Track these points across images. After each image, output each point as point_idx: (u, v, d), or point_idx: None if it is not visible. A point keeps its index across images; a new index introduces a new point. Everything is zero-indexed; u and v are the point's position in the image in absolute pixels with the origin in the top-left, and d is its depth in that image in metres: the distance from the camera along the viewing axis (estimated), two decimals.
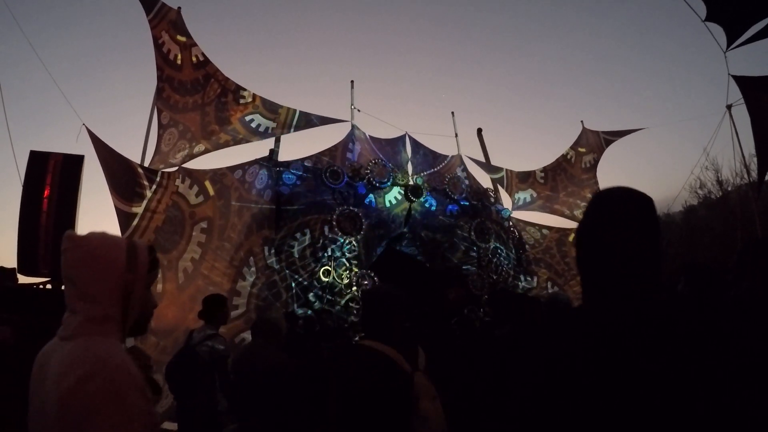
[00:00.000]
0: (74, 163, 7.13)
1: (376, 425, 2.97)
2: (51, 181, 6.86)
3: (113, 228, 7.77)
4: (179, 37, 9.82)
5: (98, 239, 1.93)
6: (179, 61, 9.84)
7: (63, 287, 1.90)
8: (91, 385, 1.64)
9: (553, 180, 14.67)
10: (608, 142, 15.54)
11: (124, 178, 7.99)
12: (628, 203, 1.66)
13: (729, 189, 24.02)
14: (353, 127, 11.27)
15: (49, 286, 6.22)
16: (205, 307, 5.86)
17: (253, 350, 5.14)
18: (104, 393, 1.66)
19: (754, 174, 14.40)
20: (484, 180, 13.35)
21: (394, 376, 3.02)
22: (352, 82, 11.81)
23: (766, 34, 10.04)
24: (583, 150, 15.39)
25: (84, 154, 7.37)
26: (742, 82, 11.66)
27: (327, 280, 8.75)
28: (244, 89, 10.33)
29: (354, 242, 9.31)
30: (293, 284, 8.56)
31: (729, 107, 12.97)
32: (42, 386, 1.72)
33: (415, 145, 12.51)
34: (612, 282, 1.58)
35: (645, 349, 1.42)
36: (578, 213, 14.20)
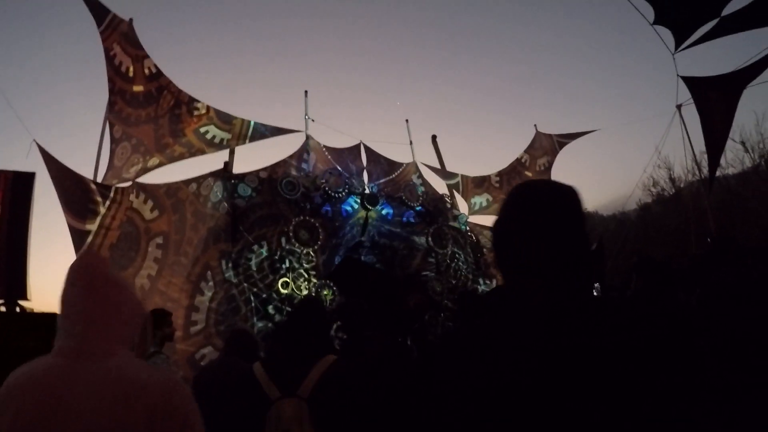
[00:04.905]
0: (25, 180, 7.03)
1: None
2: (2, 199, 6.76)
3: (68, 246, 7.68)
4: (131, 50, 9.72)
5: (116, 279, 1.94)
6: (131, 74, 9.74)
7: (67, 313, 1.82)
8: (177, 399, 1.78)
9: (509, 184, 14.72)
10: (562, 145, 15.75)
11: (76, 194, 7.89)
12: (545, 195, 1.58)
13: (681, 186, 24.70)
14: (308, 137, 11.29)
15: (2, 309, 6.12)
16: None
17: (222, 365, 5.14)
18: (190, 405, 1.83)
19: (705, 170, 14.78)
20: (440, 186, 13.50)
21: (251, 402, 2.94)
22: (305, 92, 11.84)
23: (712, 36, 10.33)
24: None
25: (35, 171, 7.29)
26: (691, 82, 11.96)
27: (286, 291, 8.72)
28: (198, 101, 10.25)
29: (312, 253, 9.31)
30: (252, 297, 8.50)
31: (679, 107, 13.33)
32: (76, 414, 1.64)
33: (370, 153, 12.60)
34: (530, 278, 1.49)
35: (563, 349, 1.34)
36: None
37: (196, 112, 10.17)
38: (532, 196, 1.60)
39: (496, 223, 1.67)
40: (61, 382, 1.69)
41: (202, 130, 10.19)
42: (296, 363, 3.06)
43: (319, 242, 9.41)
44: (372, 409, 3.01)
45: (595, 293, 8.75)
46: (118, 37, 9.64)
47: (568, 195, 1.58)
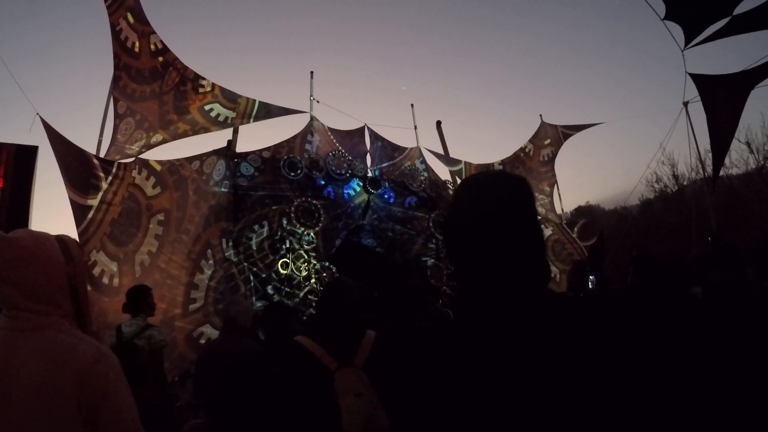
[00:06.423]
0: (28, 154, 7.00)
1: (296, 422, 2.98)
2: (4, 172, 6.73)
3: (68, 221, 7.68)
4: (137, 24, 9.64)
5: (29, 237, 1.99)
6: (137, 49, 9.67)
7: None
8: (103, 366, 1.88)
9: (512, 173, 14.65)
10: (566, 136, 15.75)
11: (79, 169, 7.87)
12: (494, 188, 1.49)
13: (684, 183, 24.69)
14: (312, 118, 11.25)
15: None
16: (128, 300, 5.81)
17: (222, 343, 5.16)
18: (116, 372, 1.92)
19: (709, 169, 14.75)
20: (443, 172, 13.49)
21: (312, 373, 3.02)
22: (311, 72, 11.78)
23: (723, 34, 10.29)
24: (545, 142, 15.58)
25: (38, 145, 7.26)
26: (699, 79, 11.93)
27: (285, 272, 8.70)
28: (203, 78, 10.17)
29: (312, 234, 9.29)
30: (251, 277, 8.49)
31: (685, 104, 13.32)
32: (17, 375, 1.78)
33: (374, 136, 12.56)
34: (483, 278, 1.41)
35: (521, 352, 1.28)
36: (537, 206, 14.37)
37: (201, 90, 10.10)
38: (484, 190, 1.50)
39: (445, 224, 1.60)
40: (2, 350, 1.84)
41: (207, 107, 10.14)
42: (345, 337, 3.23)
43: (320, 224, 9.38)
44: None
45: (590, 285, 8.77)
46: (125, 12, 9.57)
47: (523, 187, 1.52)
